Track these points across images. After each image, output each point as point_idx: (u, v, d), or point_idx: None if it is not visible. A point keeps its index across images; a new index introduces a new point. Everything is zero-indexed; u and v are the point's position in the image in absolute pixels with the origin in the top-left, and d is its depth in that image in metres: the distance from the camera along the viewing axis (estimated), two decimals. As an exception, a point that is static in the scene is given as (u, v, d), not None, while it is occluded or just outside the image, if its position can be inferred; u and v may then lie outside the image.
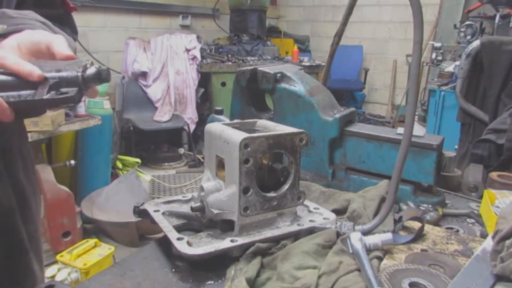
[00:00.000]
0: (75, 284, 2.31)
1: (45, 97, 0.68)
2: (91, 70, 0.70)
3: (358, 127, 1.22)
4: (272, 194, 0.88)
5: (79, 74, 0.69)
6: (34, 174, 1.11)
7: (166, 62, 5.08)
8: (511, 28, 3.57)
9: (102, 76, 0.71)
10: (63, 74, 0.69)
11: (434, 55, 4.13)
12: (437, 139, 1.11)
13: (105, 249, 2.54)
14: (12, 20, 0.78)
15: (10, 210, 0.99)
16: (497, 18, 3.70)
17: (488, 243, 0.80)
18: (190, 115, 5.16)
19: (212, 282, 0.79)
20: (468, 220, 1.08)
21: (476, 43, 2.47)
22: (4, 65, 0.68)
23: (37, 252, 1.09)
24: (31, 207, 1.07)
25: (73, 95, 0.69)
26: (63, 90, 0.69)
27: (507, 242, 0.73)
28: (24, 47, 0.74)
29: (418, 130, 1.09)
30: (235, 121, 1.02)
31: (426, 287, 0.74)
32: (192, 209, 0.89)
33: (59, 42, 0.74)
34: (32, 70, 0.67)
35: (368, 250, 0.82)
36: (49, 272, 2.36)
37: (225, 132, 0.87)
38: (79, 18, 1.11)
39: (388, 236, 0.85)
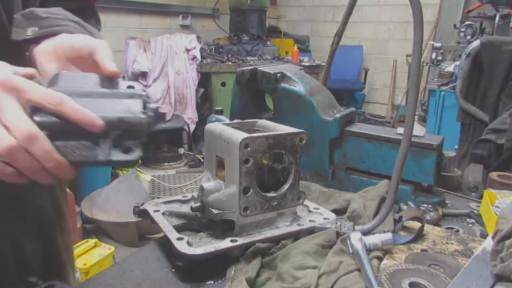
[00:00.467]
0: (75, 284, 2.30)
1: (114, 159, 0.58)
2: (153, 114, 0.60)
3: (358, 127, 1.22)
4: (272, 194, 0.87)
5: (144, 121, 0.59)
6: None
7: (166, 62, 5.08)
8: (511, 28, 3.57)
9: (163, 119, 0.62)
10: (125, 120, 0.58)
11: (434, 55, 4.13)
12: (437, 139, 1.10)
13: (105, 249, 2.54)
14: (42, 21, 0.71)
15: (50, 222, 0.95)
16: (497, 18, 3.70)
17: (488, 243, 0.80)
18: (190, 115, 5.17)
19: (212, 282, 0.79)
20: (468, 220, 1.08)
21: (476, 43, 2.47)
22: (61, 112, 0.57)
23: (71, 263, 1.04)
24: (65, 216, 1.02)
25: (140, 155, 0.59)
26: (127, 144, 0.59)
27: (507, 242, 0.73)
28: (62, 52, 0.68)
29: (418, 130, 1.09)
30: (235, 121, 1.01)
31: (426, 287, 0.74)
32: (192, 209, 0.89)
33: (104, 52, 0.67)
34: (94, 120, 0.57)
35: (368, 250, 0.82)
36: (49, 272, 2.36)
37: (225, 132, 0.87)
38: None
39: (388, 236, 0.85)
